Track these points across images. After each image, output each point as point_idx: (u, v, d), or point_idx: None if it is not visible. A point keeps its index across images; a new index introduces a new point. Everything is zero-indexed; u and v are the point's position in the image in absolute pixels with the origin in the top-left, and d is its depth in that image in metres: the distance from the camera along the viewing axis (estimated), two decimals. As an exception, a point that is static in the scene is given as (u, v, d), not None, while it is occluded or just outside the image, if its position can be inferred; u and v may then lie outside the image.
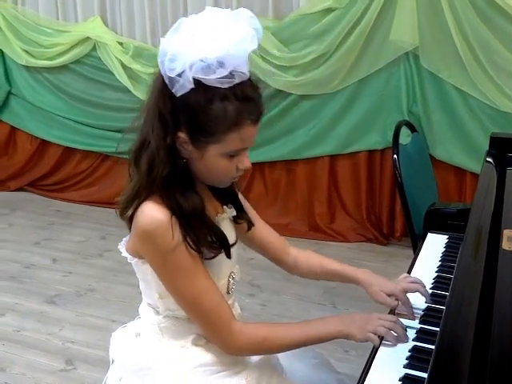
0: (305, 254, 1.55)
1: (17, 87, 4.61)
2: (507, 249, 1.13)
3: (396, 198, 3.58)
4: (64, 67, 4.37)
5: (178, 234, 1.19)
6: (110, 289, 3.22)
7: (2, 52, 4.54)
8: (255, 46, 1.16)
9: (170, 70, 1.14)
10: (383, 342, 1.24)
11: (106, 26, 4.20)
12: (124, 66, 4.10)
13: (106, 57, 4.16)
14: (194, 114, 1.16)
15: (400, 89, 3.56)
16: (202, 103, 1.15)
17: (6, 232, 4.01)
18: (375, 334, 1.23)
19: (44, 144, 4.65)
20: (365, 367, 1.19)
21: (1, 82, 4.58)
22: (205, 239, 1.23)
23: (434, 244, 1.79)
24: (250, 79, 1.19)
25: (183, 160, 1.22)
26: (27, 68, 4.50)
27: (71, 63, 4.33)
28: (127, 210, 1.24)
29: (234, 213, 1.38)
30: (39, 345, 2.71)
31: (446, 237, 1.82)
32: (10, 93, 4.63)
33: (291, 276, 1.59)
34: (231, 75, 1.13)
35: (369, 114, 3.65)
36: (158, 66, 1.19)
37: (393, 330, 1.24)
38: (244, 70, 1.16)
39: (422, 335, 1.27)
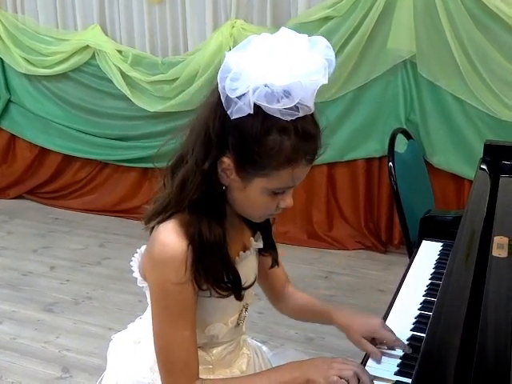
0: (299, 292, 1.47)
1: (16, 95, 4.62)
2: (497, 255, 1.13)
3: (394, 205, 3.59)
4: (63, 75, 4.38)
5: (189, 271, 1.11)
6: (107, 297, 3.22)
7: (2, 60, 4.55)
8: (326, 81, 1.05)
9: (230, 89, 1.02)
10: None
11: (106, 34, 4.21)
12: (123, 74, 4.11)
13: (105, 65, 4.18)
14: (246, 142, 1.05)
15: (398, 97, 3.56)
16: (258, 132, 1.04)
17: (4, 240, 4.01)
18: (340, 378, 1.10)
19: (43, 152, 4.66)
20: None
21: (0, 90, 4.60)
22: (216, 276, 1.15)
23: (429, 251, 1.79)
24: (312, 115, 1.08)
25: (222, 187, 1.13)
26: (27, 76, 4.51)
27: (70, 71, 4.34)
28: (151, 221, 1.17)
29: (261, 245, 1.31)
30: (36, 353, 2.71)
31: (441, 244, 1.82)
32: (9, 101, 4.65)
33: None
34: (295, 108, 1.03)
35: (367, 122, 3.66)
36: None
37: (359, 375, 1.10)
38: (310, 103, 1.05)
39: (413, 342, 1.27)
